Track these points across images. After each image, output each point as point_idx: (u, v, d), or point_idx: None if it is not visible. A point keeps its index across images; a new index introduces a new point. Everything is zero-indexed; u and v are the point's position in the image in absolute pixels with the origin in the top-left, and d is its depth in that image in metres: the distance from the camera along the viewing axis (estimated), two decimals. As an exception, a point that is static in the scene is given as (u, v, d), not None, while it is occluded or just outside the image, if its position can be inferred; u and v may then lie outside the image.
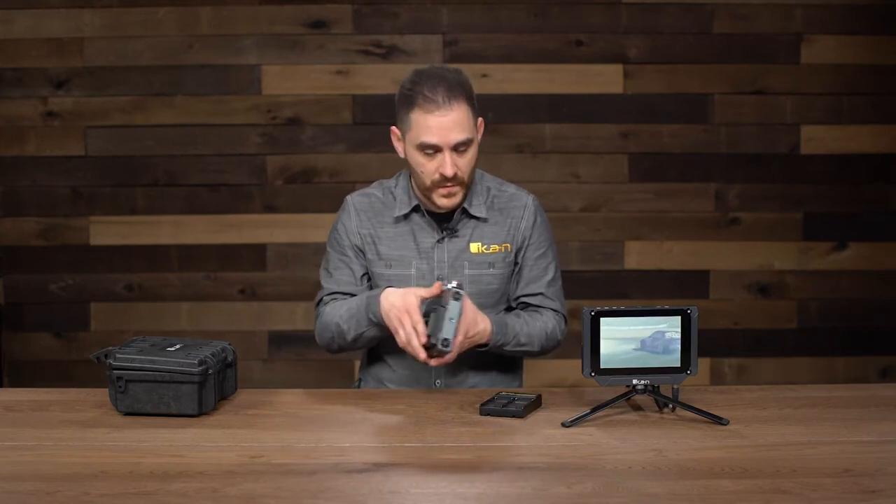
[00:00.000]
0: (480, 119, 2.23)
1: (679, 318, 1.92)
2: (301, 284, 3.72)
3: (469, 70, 3.59)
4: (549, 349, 2.29)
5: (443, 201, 2.19)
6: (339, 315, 2.20)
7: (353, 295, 2.26)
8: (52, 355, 3.77)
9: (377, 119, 3.69)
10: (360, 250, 2.28)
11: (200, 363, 1.95)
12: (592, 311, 1.91)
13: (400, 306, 2.05)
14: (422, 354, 2.03)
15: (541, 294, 2.29)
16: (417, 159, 2.17)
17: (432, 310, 2.05)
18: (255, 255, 3.76)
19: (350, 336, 2.19)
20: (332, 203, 3.73)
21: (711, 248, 3.76)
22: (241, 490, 1.59)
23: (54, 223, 3.74)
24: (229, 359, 2.06)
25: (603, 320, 1.92)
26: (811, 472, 1.65)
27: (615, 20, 3.68)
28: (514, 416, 1.96)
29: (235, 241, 3.75)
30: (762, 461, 1.70)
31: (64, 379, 3.70)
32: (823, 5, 3.67)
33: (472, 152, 2.17)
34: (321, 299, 2.29)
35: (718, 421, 1.90)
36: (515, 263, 2.29)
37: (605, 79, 3.70)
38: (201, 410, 1.95)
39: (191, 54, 3.68)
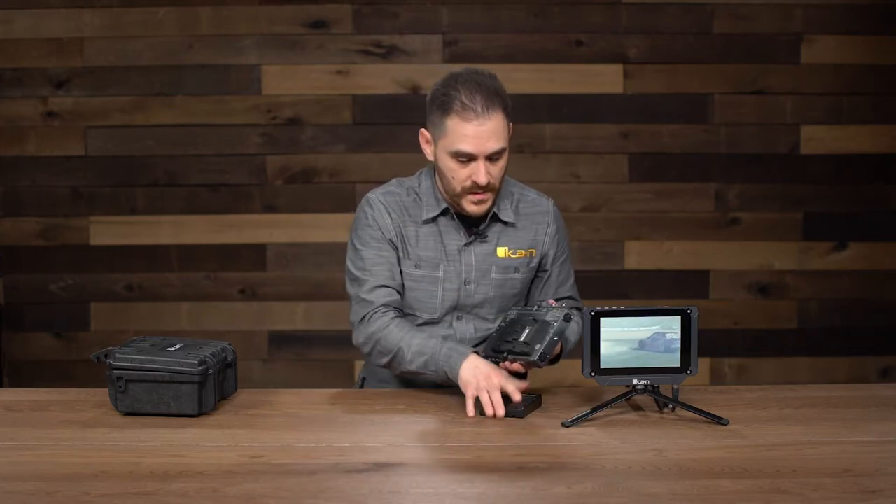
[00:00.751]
0: (510, 123, 2.22)
1: (679, 318, 1.92)
2: (301, 284, 3.72)
3: (469, 70, 3.64)
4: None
5: (472, 208, 2.18)
6: (406, 343, 2.13)
7: (393, 290, 2.20)
8: (52, 355, 3.77)
9: (377, 119, 3.70)
10: (395, 246, 2.24)
11: (200, 363, 1.95)
12: (592, 311, 1.91)
13: (485, 374, 2.00)
14: (500, 412, 1.97)
15: (569, 297, 2.35)
16: (449, 165, 2.14)
17: (528, 319, 2.06)
18: (255, 255, 3.76)
19: (408, 368, 2.14)
20: (332, 203, 3.75)
21: (711, 248, 3.76)
22: (241, 490, 1.59)
23: (54, 223, 3.74)
24: (229, 359, 2.06)
25: (603, 320, 1.92)
26: (811, 472, 1.65)
27: (615, 20, 3.68)
28: (514, 416, 1.96)
29: (235, 241, 3.75)
30: (762, 461, 1.70)
31: (64, 379, 3.70)
32: (823, 5, 3.67)
33: (504, 160, 2.17)
34: (370, 292, 2.19)
35: (718, 421, 1.90)
36: (542, 269, 2.32)
37: (605, 79, 3.70)
38: (201, 410, 1.95)
39: (191, 54, 3.68)
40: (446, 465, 1.72)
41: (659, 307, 1.93)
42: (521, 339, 2.02)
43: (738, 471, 1.66)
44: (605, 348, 1.92)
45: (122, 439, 1.83)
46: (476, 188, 2.14)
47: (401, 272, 2.24)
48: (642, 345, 1.92)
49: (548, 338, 1.97)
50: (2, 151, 3.72)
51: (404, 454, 1.77)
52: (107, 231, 3.74)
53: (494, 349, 2.09)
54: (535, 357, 1.95)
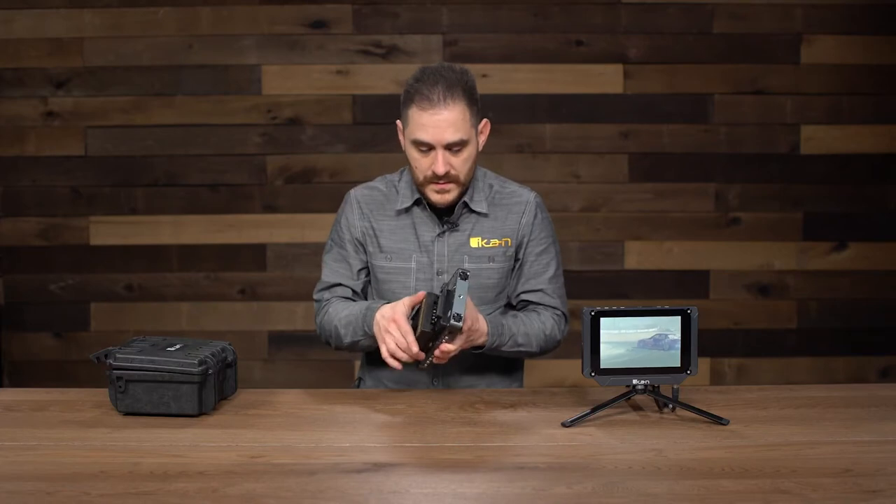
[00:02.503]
0: (486, 120, 2.25)
1: (679, 318, 1.92)
2: (301, 284, 3.72)
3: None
4: (548, 349, 2.30)
5: (435, 197, 2.21)
6: (339, 318, 2.22)
7: (349, 288, 2.30)
8: (52, 355, 3.77)
9: (377, 119, 3.70)
10: (361, 244, 2.30)
11: (200, 363, 1.95)
12: (592, 311, 1.91)
13: (388, 316, 2.07)
14: (405, 356, 2.04)
15: (541, 291, 2.30)
16: (412, 154, 2.19)
17: (437, 297, 2.05)
18: (255, 255, 3.76)
19: (346, 341, 2.22)
20: (332, 203, 3.73)
21: (711, 248, 3.76)
22: (241, 490, 1.59)
23: (54, 223, 3.74)
24: (229, 359, 2.06)
25: (603, 320, 1.91)
26: (811, 472, 1.65)
27: (615, 20, 3.68)
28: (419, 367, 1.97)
29: (235, 241, 3.75)
30: (762, 461, 1.70)
31: (64, 379, 3.70)
32: (823, 5, 3.68)
33: (467, 152, 2.18)
34: (321, 291, 2.33)
35: (718, 421, 1.90)
36: (516, 259, 2.30)
37: (605, 79, 3.70)
38: (201, 410, 1.95)
39: (191, 54, 3.68)
40: (446, 465, 1.72)
41: (659, 307, 1.93)
42: (437, 314, 2.00)
43: (738, 471, 1.66)
44: (604, 348, 1.92)
45: (122, 439, 1.83)
46: (437, 178, 2.17)
47: (365, 269, 2.32)
48: (642, 345, 1.92)
49: (455, 300, 1.95)
50: (2, 151, 3.72)
51: (404, 454, 1.77)
52: (107, 231, 3.74)
53: (423, 342, 2.07)
54: (451, 320, 1.94)
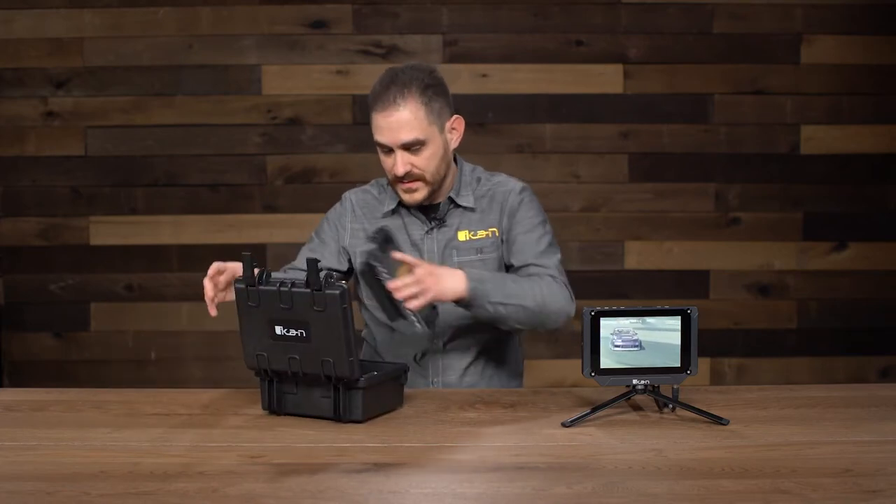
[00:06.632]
0: (457, 117, 2.23)
1: (679, 318, 1.92)
2: (301, 284, 3.72)
3: (469, 70, 3.65)
4: (550, 314, 2.13)
5: (405, 196, 2.23)
6: None
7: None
8: (52, 355, 3.77)
9: (377, 119, 3.69)
10: (342, 245, 2.32)
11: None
12: (592, 311, 1.91)
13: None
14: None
15: (531, 264, 2.19)
16: (380, 156, 2.22)
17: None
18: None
19: None
20: (332, 203, 3.73)
21: (711, 248, 3.76)
22: (241, 490, 1.58)
23: (54, 223, 3.74)
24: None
25: (603, 320, 1.91)
26: (811, 472, 1.65)
27: (615, 20, 3.68)
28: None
29: (235, 241, 3.75)
30: (762, 461, 1.70)
31: (64, 379, 3.70)
32: (823, 5, 3.68)
33: (428, 151, 2.17)
34: (287, 267, 2.39)
35: (718, 421, 1.90)
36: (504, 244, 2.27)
37: (605, 79, 3.70)
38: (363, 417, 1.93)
39: (191, 54, 3.68)
40: (446, 465, 1.72)
41: (659, 307, 1.93)
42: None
43: (738, 471, 1.66)
44: (605, 348, 1.92)
45: (121, 439, 1.83)
46: (401, 178, 2.18)
47: (334, 271, 2.32)
48: (642, 345, 1.92)
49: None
50: (2, 151, 3.72)
51: (404, 454, 1.77)
52: (107, 231, 3.74)
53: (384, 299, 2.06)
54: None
